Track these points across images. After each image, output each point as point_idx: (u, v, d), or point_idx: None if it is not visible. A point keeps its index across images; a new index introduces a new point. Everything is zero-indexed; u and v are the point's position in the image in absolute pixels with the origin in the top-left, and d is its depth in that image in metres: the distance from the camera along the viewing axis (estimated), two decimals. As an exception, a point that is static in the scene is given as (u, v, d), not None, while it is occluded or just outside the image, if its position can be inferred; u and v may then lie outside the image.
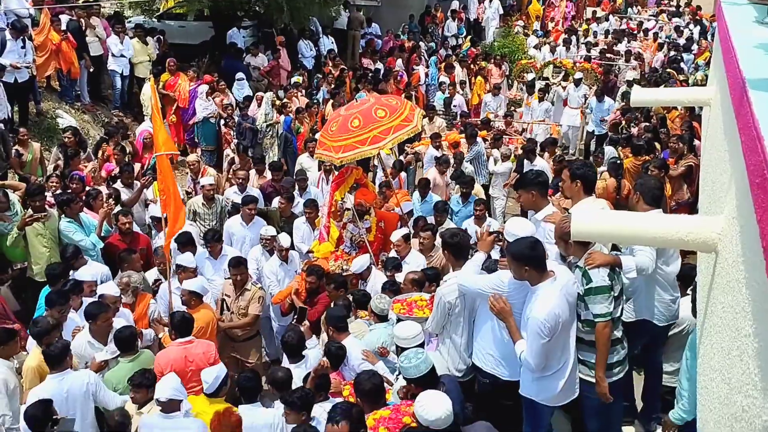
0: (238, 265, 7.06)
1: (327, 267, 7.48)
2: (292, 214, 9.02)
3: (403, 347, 4.82)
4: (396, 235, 7.47)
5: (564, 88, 15.99)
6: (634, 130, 12.61)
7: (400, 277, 6.64)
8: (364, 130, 7.60)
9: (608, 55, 18.94)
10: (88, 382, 5.34)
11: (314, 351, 5.99)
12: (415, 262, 7.15)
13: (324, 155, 8.08)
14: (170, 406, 4.98)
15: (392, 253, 7.54)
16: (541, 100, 15.32)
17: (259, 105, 13.04)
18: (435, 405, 3.92)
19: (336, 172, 8.77)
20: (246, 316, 7.06)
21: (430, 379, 4.35)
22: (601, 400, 4.59)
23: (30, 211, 7.55)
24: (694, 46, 20.78)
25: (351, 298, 6.62)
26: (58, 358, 5.29)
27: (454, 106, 15.83)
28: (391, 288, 6.38)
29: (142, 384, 5.32)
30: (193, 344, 6.00)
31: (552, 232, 4.94)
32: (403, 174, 11.35)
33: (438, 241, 7.67)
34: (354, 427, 3.88)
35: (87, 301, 6.49)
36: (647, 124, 12.51)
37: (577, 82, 15.60)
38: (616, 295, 4.56)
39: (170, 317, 6.30)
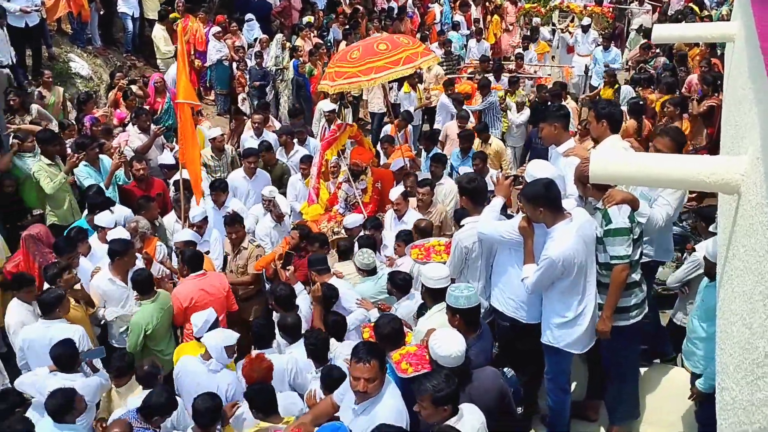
0: (233, 222, 6.91)
1: (316, 230, 7.23)
2: (277, 163, 8.91)
3: (432, 288, 4.83)
4: (394, 194, 7.27)
5: (571, 33, 15.19)
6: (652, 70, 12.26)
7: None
8: (394, 52, 7.48)
9: None
10: (72, 336, 5.33)
11: (303, 297, 6.00)
12: (412, 221, 6.94)
13: (345, 84, 7.76)
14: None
15: (389, 212, 7.38)
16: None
17: (263, 48, 12.75)
18: (449, 342, 3.99)
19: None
20: (245, 275, 6.89)
21: (476, 314, 4.41)
22: (619, 343, 4.60)
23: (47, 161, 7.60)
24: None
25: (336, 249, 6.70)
26: (48, 306, 5.42)
27: (470, 50, 15.28)
28: (404, 238, 6.38)
29: (122, 370, 5.28)
30: (207, 276, 6.15)
31: (572, 167, 4.89)
32: (410, 127, 10.98)
33: (436, 196, 7.64)
34: (381, 365, 3.94)
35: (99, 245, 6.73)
36: (667, 62, 12.21)
37: (585, 28, 14.80)
38: (635, 237, 4.51)
39: (180, 254, 6.41)
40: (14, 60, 9.76)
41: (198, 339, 5.38)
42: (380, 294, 5.97)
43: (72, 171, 7.78)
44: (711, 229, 5.75)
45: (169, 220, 7.80)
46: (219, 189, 7.76)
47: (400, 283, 5.55)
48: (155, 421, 4.56)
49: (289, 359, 5.19)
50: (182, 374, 5.23)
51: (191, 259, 6.17)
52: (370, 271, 6.09)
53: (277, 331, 5.52)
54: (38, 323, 5.52)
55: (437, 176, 8.05)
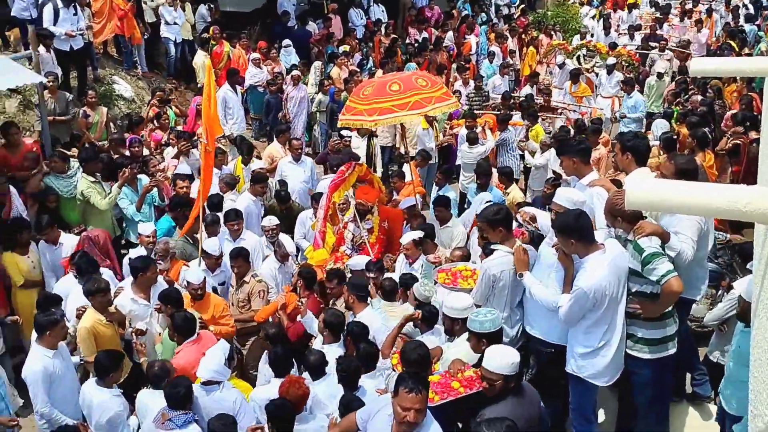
0: (237, 257, 6.66)
1: (321, 276, 6.78)
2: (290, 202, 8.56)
3: (453, 317, 4.85)
4: (407, 239, 6.77)
5: (597, 74, 14.76)
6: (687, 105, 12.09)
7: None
8: (404, 95, 7.12)
9: (651, 44, 16.69)
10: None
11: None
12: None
13: (351, 120, 7.47)
14: (210, 383, 5.11)
15: (400, 257, 6.96)
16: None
17: (295, 84, 12.69)
18: (505, 351, 4.06)
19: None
20: (244, 309, 6.65)
21: (500, 338, 4.46)
22: (651, 376, 4.57)
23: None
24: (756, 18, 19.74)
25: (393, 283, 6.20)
26: (41, 328, 5.39)
27: (495, 87, 14.87)
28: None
29: (109, 368, 5.25)
30: (202, 339, 5.74)
31: (599, 196, 4.89)
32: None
33: (440, 239, 7.30)
34: (428, 395, 3.89)
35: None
36: (703, 97, 12.11)
37: (610, 69, 14.30)
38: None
39: (171, 319, 5.85)
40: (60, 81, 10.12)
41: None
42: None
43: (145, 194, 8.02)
44: (748, 266, 5.66)
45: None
46: (232, 220, 7.45)
47: (425, 316, 5.34)
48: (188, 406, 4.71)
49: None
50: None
51: (182, 326, 5.70)
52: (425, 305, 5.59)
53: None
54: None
55: (443, 220, 7.61)
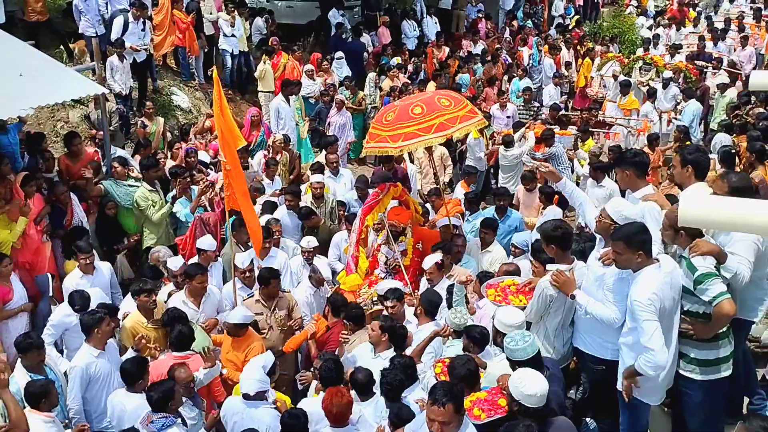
0: (269, 279, 6.50)
1: (353, 300, 6.70)
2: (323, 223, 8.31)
3: (504, 333, 4.77)
4: (428, 262, 6.57)
5: (651, 87, 14.16)
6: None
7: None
8: (427, 117, 6.86)
9: (697, 62, 15.98)
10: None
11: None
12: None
13: (375, 148, 7.30)
14: (256, 396, 5.14)
15: (423, 281, 6.78)
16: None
17: (339, 109, 12.38)
18: (533, 381, 3.92)
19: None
20: (285, 324, 6.55)
21: (536, 363, 4.31)
22: (704, 398, 4.44)
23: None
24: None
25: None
26: (22, 348, 5.47)
27: (550, 96, 14.83)
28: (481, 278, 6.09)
29: (135, 374, 5.24)
30: (190, 360, 5.62)
31: (651, 211, 4.78)
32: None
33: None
34: (458, 408, 3.81)
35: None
36: (762, 110, 11.72)
37: (666, 83, 13.95)
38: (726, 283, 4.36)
39: (169, 330, 5.87)
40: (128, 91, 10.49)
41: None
42: None
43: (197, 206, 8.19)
44: None
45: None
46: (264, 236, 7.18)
47: (477, 338, 5.03)
48: (171, 407, 4.79)
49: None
50: (227, 415, 5.28)
51: (178, 339, 5.71)
52: (459, 333, 5.36)
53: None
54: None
55: (486, 243, 7.43)
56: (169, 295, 6.75)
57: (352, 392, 5.14)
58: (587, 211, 5.34)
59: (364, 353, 5.69)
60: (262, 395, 5.18)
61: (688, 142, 11.14)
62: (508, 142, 10.51)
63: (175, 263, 6.95)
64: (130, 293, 6.49)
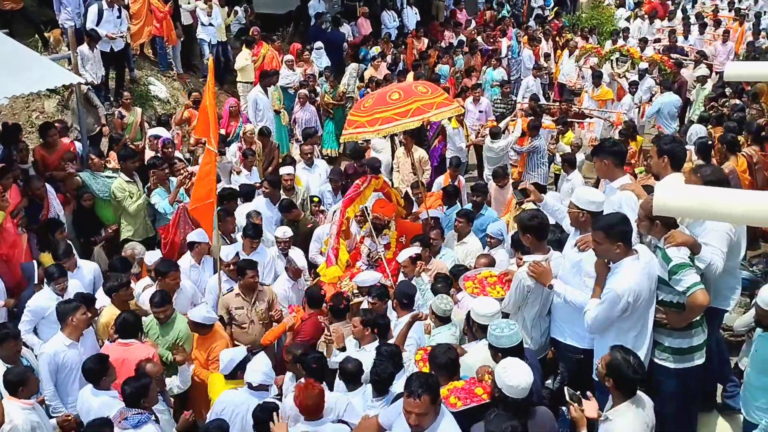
0: (244, 272, 6.43)
1: (333, 292, 6.74)
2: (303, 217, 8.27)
3: (480, 324, 4.82)
4: (403, 255, 6.53)
5: (627, 79, 14.33)
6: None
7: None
8: (404, 102, 6.97)
9: (673, 56, 15.90)
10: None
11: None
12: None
13: (353, 135, 7.33)
14: (259, 387, 5.16)
15: (400, 276, 6.69)
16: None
17: (302, 105, 12.21)
18: (518, 373, 3.92)
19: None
20: (265, 316, 6.51)
21: (519, 351, 4.34)
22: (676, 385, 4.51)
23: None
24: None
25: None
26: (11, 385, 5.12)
27: (528, 87, 14.71)
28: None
29: (98, 372, 5.14)
30: (133, 347, 5.61)
31: (628, 200, 4.83)
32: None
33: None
34: (434, 399, 3.83)
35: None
36: (738, 102, 11.86)
37: (642, 75, 13.98)
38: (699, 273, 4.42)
39: (115, 318, 5.79)
40: (103, 81, 10.33)
41: (226, 377, 5.39)
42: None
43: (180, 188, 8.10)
44: None
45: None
46: (251, 237, 7.20)
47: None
48: (144, 404, 4.72)
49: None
50: (228, 408, 5.18)
51: (122, 325, 5.66)
52: (445, 319, 5.47)
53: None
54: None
55: (462, 234, 7.34)
56: (144, 289, 6.67)
57: (340, 383, 5.19)
58: (566, 223, 5.36)
59: (348, 347, 5.74)
60: (266, 387, 5.18)
61: (639, 138, 11.31)
62: (495, 134, 10.54)
63: (151, 258, 6.90)
64: (104, 292, 6.38)
